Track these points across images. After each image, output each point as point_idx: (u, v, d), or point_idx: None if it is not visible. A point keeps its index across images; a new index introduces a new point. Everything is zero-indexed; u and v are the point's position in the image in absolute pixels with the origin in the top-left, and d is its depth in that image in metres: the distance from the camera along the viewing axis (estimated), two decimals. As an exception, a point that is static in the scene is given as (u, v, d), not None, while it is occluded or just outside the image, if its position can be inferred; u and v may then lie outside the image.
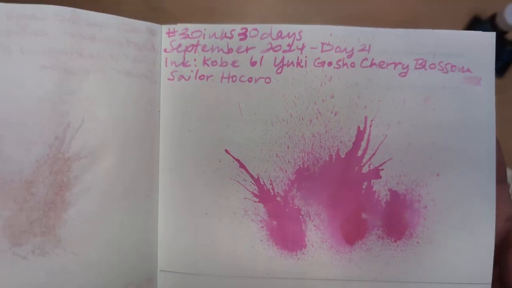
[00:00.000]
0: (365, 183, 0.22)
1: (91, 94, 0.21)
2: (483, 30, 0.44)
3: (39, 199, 0.21)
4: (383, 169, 0.22)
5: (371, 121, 0.22)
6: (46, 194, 0.21)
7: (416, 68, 0.22)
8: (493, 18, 0.46)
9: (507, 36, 0.48)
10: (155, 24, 0.23)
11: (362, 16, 0.50)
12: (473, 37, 0.22)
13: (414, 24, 0.48)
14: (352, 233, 0.22)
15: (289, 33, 0.22)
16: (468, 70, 0.22)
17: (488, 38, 0.22)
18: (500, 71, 0.51)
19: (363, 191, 0.22)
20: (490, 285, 0.22)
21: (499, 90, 0.51)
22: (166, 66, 0.23)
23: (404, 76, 0.22)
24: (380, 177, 0.22)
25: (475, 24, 0.51)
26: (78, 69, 0.21)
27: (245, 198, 0.23)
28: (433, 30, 0.23)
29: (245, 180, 0.23)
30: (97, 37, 0.21)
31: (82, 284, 0.21)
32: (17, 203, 0.20)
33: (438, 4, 0.50)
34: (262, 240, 0.23)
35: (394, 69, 0.22)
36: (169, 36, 0.23)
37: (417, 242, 0.22)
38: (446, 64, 0.22)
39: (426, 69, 0.22)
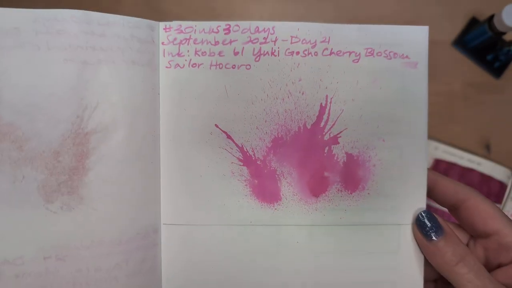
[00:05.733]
0: (327, 148, 0.28)
1: (103, 81, 0.26)
2: (481, 31, 0.46)
3: (65, 165, 0.26)
4: (340, 137, 0.28)
5: (331, 98, 0.28)
6: (70, 162, 0.26)
7: (366, 56, 0.28)
8: (491, 19, 0.46)
9: (504, 37, 0.48)
10: (154, 22, 0.28)
11: (361, 17, 0.50)
12: (410, 30, 0.28)
13: (414, 23, 0.50)
14: (317, 188, 0.28)
15: (264, 28, 0.28)
16: (407, 56, 0.28)
17: (423, 31, 0.28)
18: (497, 71, 0.50)
19: (325, 154, 0.28)
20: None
21: (497, 91, 0.49)
22: (164, 56, 0.28)
23: (357, 62, 0.28)
24: (338, 143, 0.28)
25: (473, 25, 0.50)
26: (92, 61, 0.26)
27: (232, 162, 0.28)
28: (379, 25, 0.28)
29: (232, 149, 0.28)
30: (106, 34, 0.26)
31: (100, 233, 0.26)
32: (48, 169, 0.25)
33: (437, 5, 0.51)
34: (246, 195, 0.28)
35: (349, 56, 0.28)
36: (166, 31, 0.28)
37: (368, 194, 0.28)
38: (390, 52, 0.28)
39: (374, 56, 0.28)
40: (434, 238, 0.27)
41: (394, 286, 0.28)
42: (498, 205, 0.45)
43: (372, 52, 0.28)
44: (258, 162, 0.28)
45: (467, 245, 0.29)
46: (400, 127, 0.28)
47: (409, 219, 0.28)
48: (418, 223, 0.28)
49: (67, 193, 0.26)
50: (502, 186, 0.47)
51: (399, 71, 0.28)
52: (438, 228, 0.27)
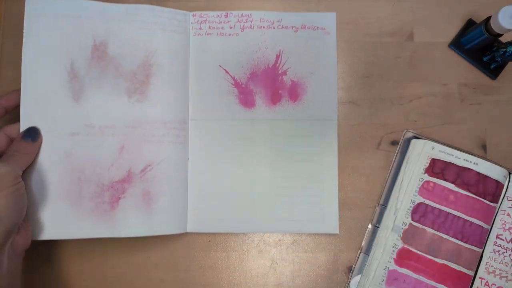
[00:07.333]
0: (280, 77, 0.51)
1: (159, 39, 0.49)
2: (477, 33, 0.48)
3: (139, 80, 0.48)
4: (288, 71, 0.51)
5: (282, 51, 0.51)
6: (141, 78, 0.48)
7: (301, 28, 0.51)
8: (487, 21, 0.47)
9: (500, 38, 0.48)
10: (187, 12, 0.52)
11: (360, 20, 0.53)
12: (327, 15, 0.51)
13: (411, 26, 0.52)
14: (275, 99, 0.50)
15: (246, 14, 0.51)
16: (324, 29, 0.51)
17: (333, 15, 0.51)
18: (494, 72, 0.51)
19: (279, 80, 0.51)
20: (336, 121, 0.50)
21: (493, 91, 0.51)
22: (192, 29, 0.52)
23: (296, 31, 0.51)
24: (286, 74, 0.51)
25: (470, 27, 0.51)
26: (154, 28, 0.49)
27: (229, 86, 0.51)
28: (308, 12, 0.52)
29: (229, 78, 0.51)
30: (162, 16, 0.50)
31: (155, 116, 0.48)
32: (130, 81, 0.48)
33: (434, 7, 0.52)
34: (236, 104, 0.50)
35: (292, 29, 0.51)
36: (193, 17, 0.52)
37: (304, 102, 0.50)
38: (315, 26, 0.51)
39: (306, 29, 0.51)
40: None
41: (322, 153, 0.50)
42: (494, 204, 0.48)
43: (305, 26, 0.51)
44: (242, 86, 0.51)
45: None
46: (321, 66, 0.51)
47: (327, 116, 0.50)
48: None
49: (139, 94, 0.48)
50: (498, 185, 0.48)
51: (320, 36, 0.51)
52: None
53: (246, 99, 0.51)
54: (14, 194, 0.40)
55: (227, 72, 0.51)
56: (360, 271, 0.48)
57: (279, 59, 0.51)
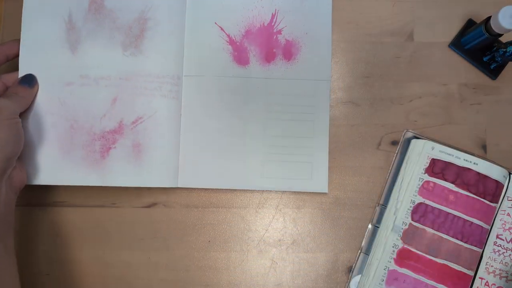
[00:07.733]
0: (275, 36, 0.51)
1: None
2: (477, 33, 0.48)
3: (134, 33, 0.48)
4: (282, 30, 0.51)
5: (277, 10, 0.51)
6: (136, 32, 0.48)
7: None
8: (487, 21, 0.46)
9: (500, 39, 0.49)
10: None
11: (360, 20, 0.53)
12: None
13: (411, 26, 0.52)
14: (269, 57, 0.51)
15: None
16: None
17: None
18: (494, 72, 0.51)
19: (274, 39, 0.51)
20: (329, 81, 0.50)
21: (493, 91, 0.51)
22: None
23: (293, -7, 0.51)
24: (281, 34, 0.51)
25: (470, 27, 0.51)
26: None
27: (223, 43, 0.51)
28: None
29: (224, 35, 0.51)
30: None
31: (149, 69, 0.48)
32: (126, 34, 0.48)
33: (434, 8, 0.52)
34: (231, 61, 0.51)
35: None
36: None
37: (297, 61, 0.50)
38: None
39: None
40: None
41: (314, 113, 0.50)
42: (494, 204, 0.48)
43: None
44: (237, 43, 0.51)
45: None
46: (316, 26, 0.51)
47: (320, 76, 0.50)
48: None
49: (134, 47, 0.49)
50: (498, 185, 0.48)
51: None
52: None
53: (240, 56, 0.51)
54: (14, 126, 0.42)
55: (222, 29, 0.51)
56: (360, 271, 0.49)
57: (275, 18, 0.51)
